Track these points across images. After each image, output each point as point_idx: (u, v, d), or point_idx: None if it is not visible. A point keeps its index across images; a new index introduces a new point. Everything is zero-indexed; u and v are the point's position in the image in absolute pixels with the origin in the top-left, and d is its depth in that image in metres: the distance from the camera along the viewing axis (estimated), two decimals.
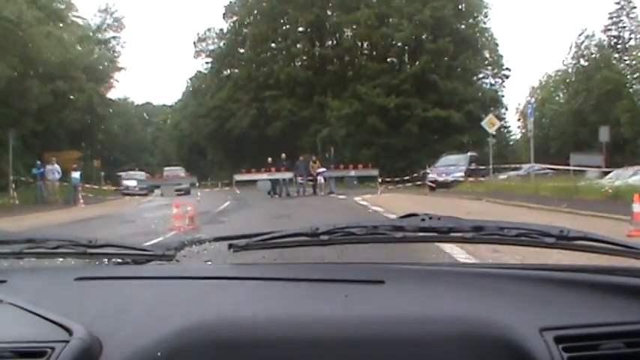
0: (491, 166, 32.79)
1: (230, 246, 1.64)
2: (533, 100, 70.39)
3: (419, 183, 35.62)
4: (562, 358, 1.07)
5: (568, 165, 30.60)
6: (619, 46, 58.73)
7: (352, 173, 32.88)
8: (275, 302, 1.31)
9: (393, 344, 1.11)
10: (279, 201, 28.65)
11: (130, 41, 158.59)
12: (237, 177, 34.01)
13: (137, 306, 1.29)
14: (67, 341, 1.06)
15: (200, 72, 72.83)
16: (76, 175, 33.07)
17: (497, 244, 1.51)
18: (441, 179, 33.28)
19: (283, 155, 33.04)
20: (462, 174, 33.16)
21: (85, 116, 49.27)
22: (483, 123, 33.45)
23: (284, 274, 1.53)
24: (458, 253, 7.49)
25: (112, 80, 57.93)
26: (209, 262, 1.75)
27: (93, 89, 48.17)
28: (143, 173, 43.85)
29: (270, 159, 33.27)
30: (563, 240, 1.42)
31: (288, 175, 32.14)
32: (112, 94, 59.23)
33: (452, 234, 1.51)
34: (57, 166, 33.10)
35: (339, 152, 47.08)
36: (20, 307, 1.20)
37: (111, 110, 62.26)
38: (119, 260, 1.77)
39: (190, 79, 75.87)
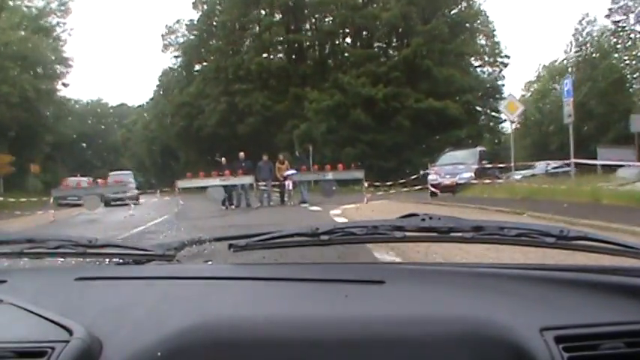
0: (512, 163, 24.81)
1: (230, 246, 1.62)
2: (529, 94, 64.27)
3: (418, 187, 26.96)
4: (562, 358, 1.04)
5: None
6: (623, 33, 52.26)
7: (330, 176, 24.22)
8: (275, 302, 1.29)
9: (393, 344, 1.08)
10: (231, 215, 20.53)
11: (104, 39, 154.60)
12: (182, 183, 25.76)
13: (137, 306, 1.26)
14: (68, 341, 1.03)
15: (171, 68, 66.59)
16: None
17: (498, 244, 1.48)
18: (446, 182, 24.80)
19: (242, 154, 24.97)
20: (472, 174, 24.85)
21: (21, 114, 40.45)
22: (502, 107, 25.65)
23: (284, 274, 1.50)
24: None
25: (57, 72, 49.24)
26: (209, 262, 1.71)
27: (26, 81, 39.32)
28: (86, 179, 35.32)
29: (223, 159, 25.49)
30: (564, 240, 1.40)
31: (248, 179, 24.24)
32: (83, 95, 50.78)
33: (452, 234, 1.49)
34: None
35: (318, 151, 39.08)
36: (20, 307, 1.18)
37: (80, 109, 54.16)
38: (119, 260, 1.73)
39: (160, 76, 69.69)
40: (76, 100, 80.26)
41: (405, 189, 27.50)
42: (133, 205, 26.80)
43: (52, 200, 24.23)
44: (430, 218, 1.51)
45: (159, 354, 1.05)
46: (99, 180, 31.90)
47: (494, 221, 1.49)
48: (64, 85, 54.80)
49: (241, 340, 1.09)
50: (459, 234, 1.47)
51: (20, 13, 41.68)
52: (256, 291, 1.38)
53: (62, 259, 1.74)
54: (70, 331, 1.05)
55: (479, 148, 29.14)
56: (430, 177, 25.86)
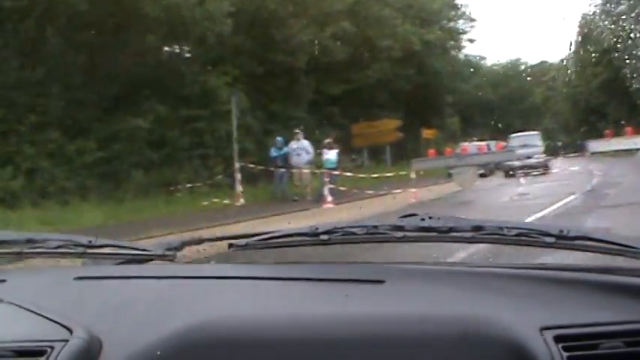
0: None
1: (230, 245, 1.60)
2: None
3: None
4: (562, 357, 1.03)
5: None
6: None
7: None
8: (275, 302, 1.28)
9: (393, 344, 1.08)
10: None
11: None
12: (594, 146, 17.84)
13: (137, 305, 1.25)
14: (67, 340, 1.04)
15: (594, 12, 56.29)
16: (329, 156, 20.10)
17: (497, 243, 1.45)
18: None
19: None
20: None
21: (408, 71, 35.28)
22: None
23: (284, 273, 1.49)
24: None
25: (451, 26, 43.64)
26: (209, 262, 1.70)
27: (410, 32, 34.11)
28: (479, 144, 28.26)
29: None
30: (564, 240, 1.36)
31: None
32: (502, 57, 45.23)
33: (452, 234, 1.45)
34: (305, 143, 20.07)
35: None
36: (20, 306, 1.19)
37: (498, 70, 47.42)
38: (119, 260, 1.69)
39: (580, 21, 60.06)
40: (493, 63, 76.42)
41: None
42: (522, 180, 19.76)
43: (412, 174, 18.37)
44: (430, 218, 1.47)
45: (158, 353, 1.03)
46: (500, 144, 25.58)
47: (495, 221, 1.44)
48: (470, 41, 49.53)
49: (241, 340, 1.07)
50: (459, 234, 1.43)
51: None
52: (256, 291, 1.35)
53: (62, 259, 1.69)
54: (69, 331, 1.05)
55: None
56: None
